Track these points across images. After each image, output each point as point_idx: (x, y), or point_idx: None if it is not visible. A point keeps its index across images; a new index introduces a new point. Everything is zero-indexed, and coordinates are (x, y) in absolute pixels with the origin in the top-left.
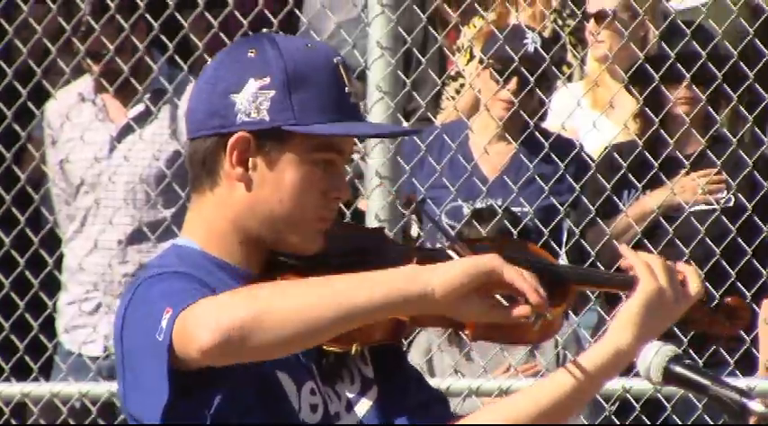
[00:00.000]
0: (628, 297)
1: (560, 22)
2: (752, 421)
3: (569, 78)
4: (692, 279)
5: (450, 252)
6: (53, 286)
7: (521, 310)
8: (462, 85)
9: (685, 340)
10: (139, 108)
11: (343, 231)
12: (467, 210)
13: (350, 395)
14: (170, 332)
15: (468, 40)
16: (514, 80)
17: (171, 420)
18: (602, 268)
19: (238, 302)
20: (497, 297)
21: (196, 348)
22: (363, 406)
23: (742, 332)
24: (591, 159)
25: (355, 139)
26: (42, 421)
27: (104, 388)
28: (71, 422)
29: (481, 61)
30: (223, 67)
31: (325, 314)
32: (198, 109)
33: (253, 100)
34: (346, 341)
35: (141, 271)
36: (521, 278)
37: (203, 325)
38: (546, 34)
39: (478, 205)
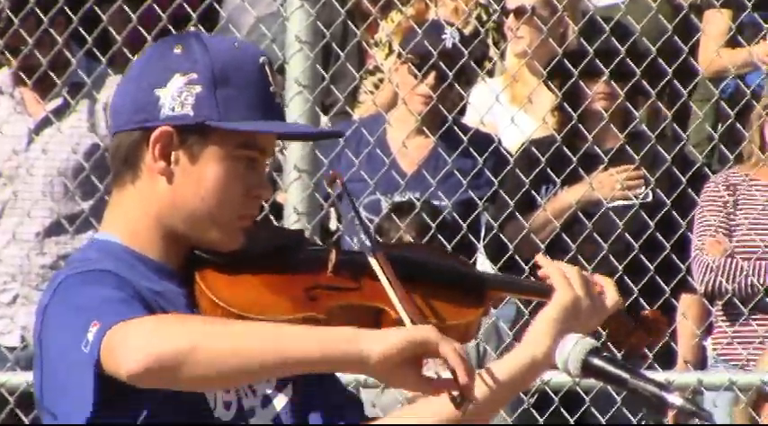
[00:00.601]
0: (543, 305)
1: (485, 17)
2: (670, 414)
3: (490, 73)
4: (609, 290)
5: (372, 262)
6: None
7: (448, 389)
8: (381, 80)
9: (603, 333)
10: (58, 101)
11: (263, 230)
12: (385, 204)
13: (267, 391)
14: (97, 347)
15: (387, 35)
16: (432, 75)
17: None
18: (521, 262)
19: (175, 331)
20: (428, 374)
21: (124, 371)
22: (279, 402)
23: None
24: (509, 154)
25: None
26: None
27: (22, 378)
28: None
29: (399, 56)
30: (149, 63)
31: (262, 360)
32: (122, 104)
33: (177, 95)
34: None
35: (62, 267)
36: (454, 354)
37: (133, 350)
38: (468, 30)
39: (397, 198)
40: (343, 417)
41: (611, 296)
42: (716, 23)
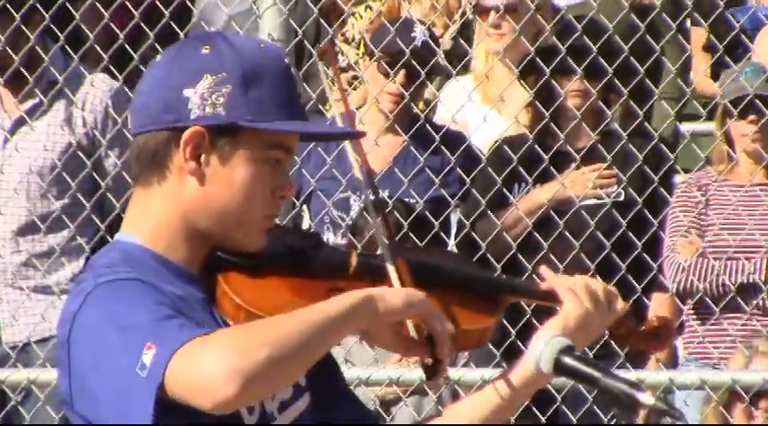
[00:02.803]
0: (552, 314)
1: (456, 16)
2: (642, 413)
3: (465, 68)
4: (616, 300)
5: (389, 268)
6: None
7: (422, 353)
8: (355, 77)
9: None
10: (34, 100)
11: (280, 232)
12: (353, 201)
13: (282, 397)
14: (161, 372)
15: (359, 33)
16: (402, 73)
17: None
18: (492, 261)
19: (249, 345)
20: (410, 331)
21: (215, 401)
22: (295, 411)
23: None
24: (481, 152)
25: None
26: None
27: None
28: None
29: (371, 54)
30: (176, 63)
31: (317, 337)
32: (149, 103)
33: (208, 95)
34: None
35: (86, 272)
36: (442, 326)
37: (223, 377)
38: (439, 28)
39: (364, 196)
40: None
41: (618, 303)
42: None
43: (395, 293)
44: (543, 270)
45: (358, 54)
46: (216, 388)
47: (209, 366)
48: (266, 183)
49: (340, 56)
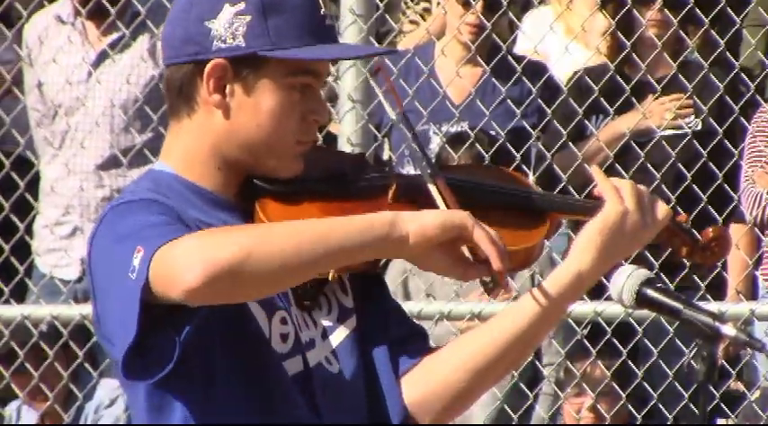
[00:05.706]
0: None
1: None
2: (723, 344)
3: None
4: (660, 205)
5: (431, 188)
6: (26, 209)
7: (479, 273)
8: (425, 10)
9: (656, 264)
10: (118, 32)
11: (322, 156)
12: (432, 133)
13: (326, 324)
14: (145, 272)
15: None
16: (480, 3)
17: (137, 354)
18: (573, 192)
19: (224, 241)
20: (464, 252)
21: (181, 289)
22: (340, 334)
23: None
24: (560, 82)
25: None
26: (13, 344)
27: (76, 311)
28: (42, 345)
29: None
30: None
31: (311, 252)
32: (173, 36)
33: (228, 26)
34: None
35: (116, 197)
36: (489, 240)
37: (188, 265)
38: None
39: (444, 128)
40: (407, 351)
41: (662, 209)
42: None
43: (428, 216)
44: (594, 169)
45: None
46: (181, 275)
47: (178, 257)
48: (295, 109)
49: None
